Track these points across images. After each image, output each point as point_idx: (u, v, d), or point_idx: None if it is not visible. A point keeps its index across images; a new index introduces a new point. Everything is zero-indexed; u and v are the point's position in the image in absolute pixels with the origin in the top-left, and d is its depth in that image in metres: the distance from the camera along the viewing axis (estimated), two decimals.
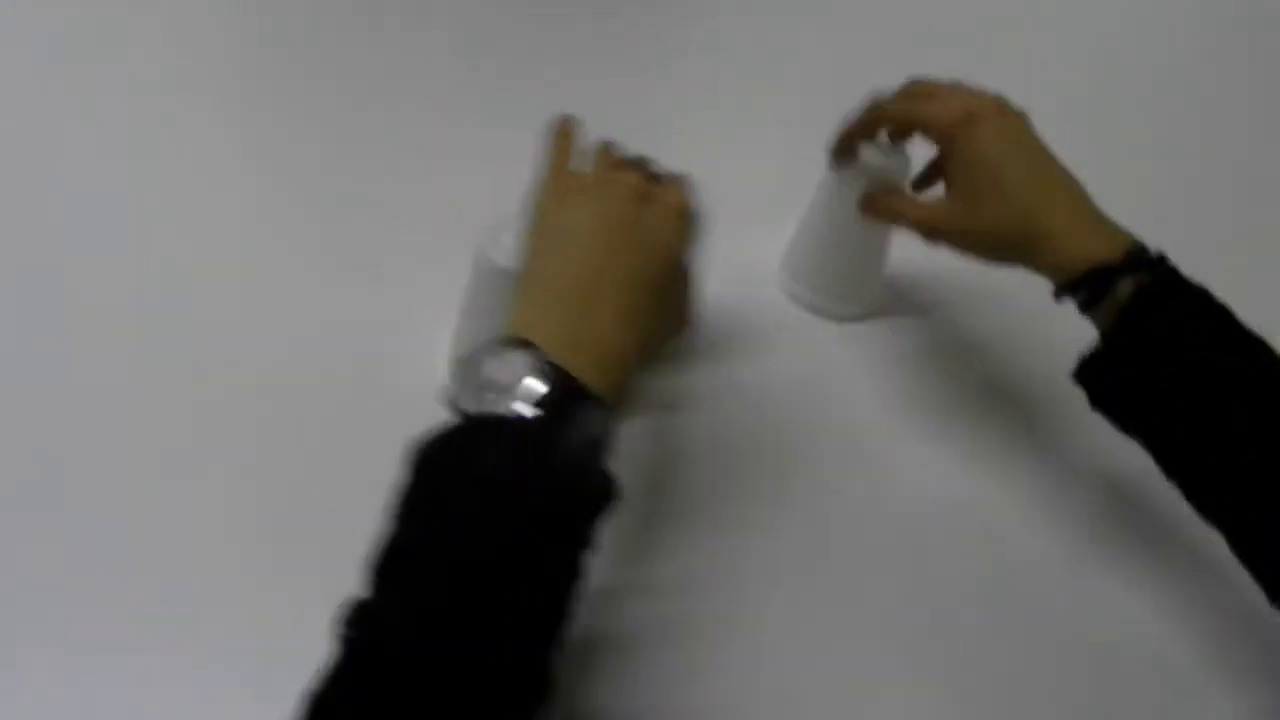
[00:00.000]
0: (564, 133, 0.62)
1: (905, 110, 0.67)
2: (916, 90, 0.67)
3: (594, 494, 0.50)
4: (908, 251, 0.73)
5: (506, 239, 0.64)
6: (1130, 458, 0.61)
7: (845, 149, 0.71)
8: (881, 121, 0.69)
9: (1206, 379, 0.57)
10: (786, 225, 0.81)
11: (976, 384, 0.78)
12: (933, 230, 0.65)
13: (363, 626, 0.45)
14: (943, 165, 0.66)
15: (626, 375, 0.54)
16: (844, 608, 0.65)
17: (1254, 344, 0.58)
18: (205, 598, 0.61)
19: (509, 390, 0.49)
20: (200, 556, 0.63)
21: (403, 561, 0.47)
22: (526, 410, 0.49)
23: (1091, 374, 0.61)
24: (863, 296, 0.79)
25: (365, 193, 0.85)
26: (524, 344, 0.51)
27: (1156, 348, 0.58)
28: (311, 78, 0.95)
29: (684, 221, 0.58)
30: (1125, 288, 0.59)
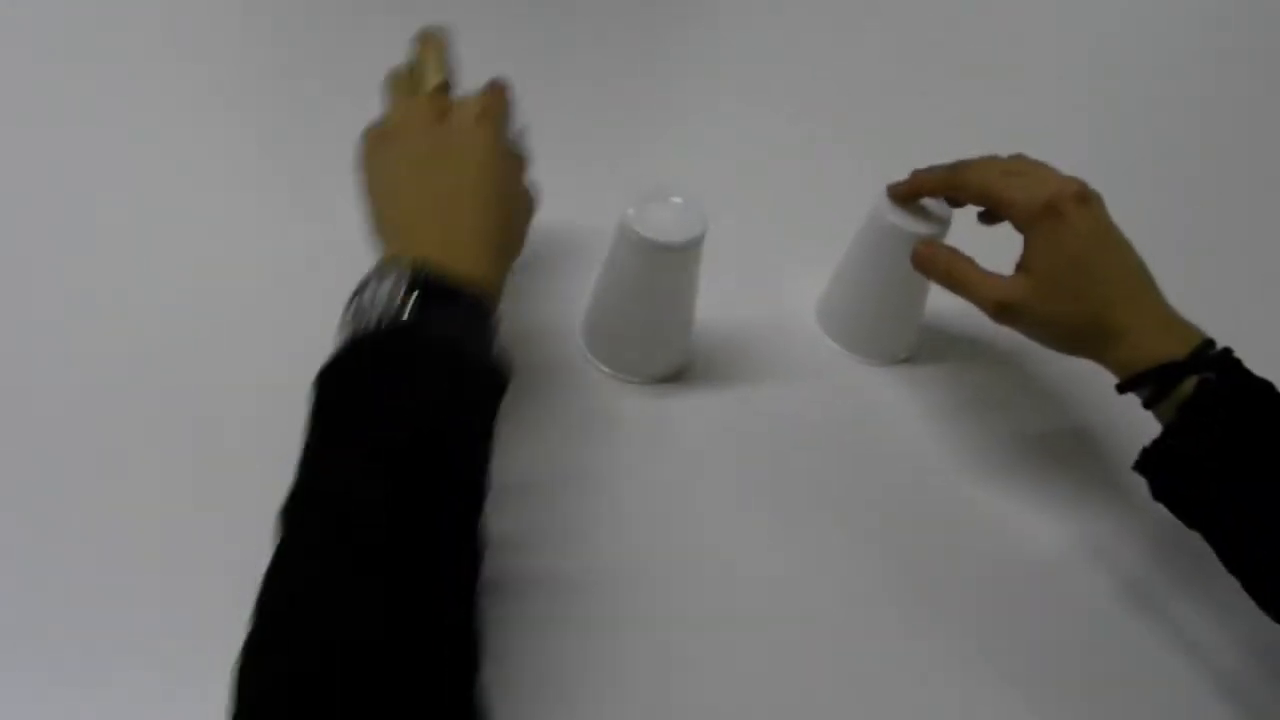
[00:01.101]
0: (392, 81, 0.66)
1: (989, 186, 0.67)
2: (1002, 167, 0.68)
3: (486, 378, 0.54)
4: (945, 299, 0.73)
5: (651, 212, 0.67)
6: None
7: (910, 195, 0.71)
8: (962, 188, 0.69)
9: (1269, 474, 0.58)
10: (822, 261, 0.80)
11: (1011, 430, 0.78)
12: (1006, 309, 0.65)
13: (294, 513, 0.48)
14: (1024, 249, 0.66)
15: (491, 261, 0.58)
16: (865, 634, 0.65)
17: None
18: (220, 598, 0.60)
19: (390, 301, 0.53)
20: (209, 555, 0.62)
21: (324, 459, 0.50)
22: (403, 315, 0.52)
23: (1152, 466, 0.62)
24: (899, 341, 0.81)
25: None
26: (390, 262, 0.55)
27: (1217, 442, 0.59)
28: (316, 75, 0.95)
29: (487, 122, 0.62)
30: (1189, 383, 0.60)
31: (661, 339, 0.74)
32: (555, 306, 0.77)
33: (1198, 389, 0.60)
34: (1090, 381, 0.76)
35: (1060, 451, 0.76)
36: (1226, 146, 1.08)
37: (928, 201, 0.73)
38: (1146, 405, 0.63)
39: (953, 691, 0.63)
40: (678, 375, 0.76)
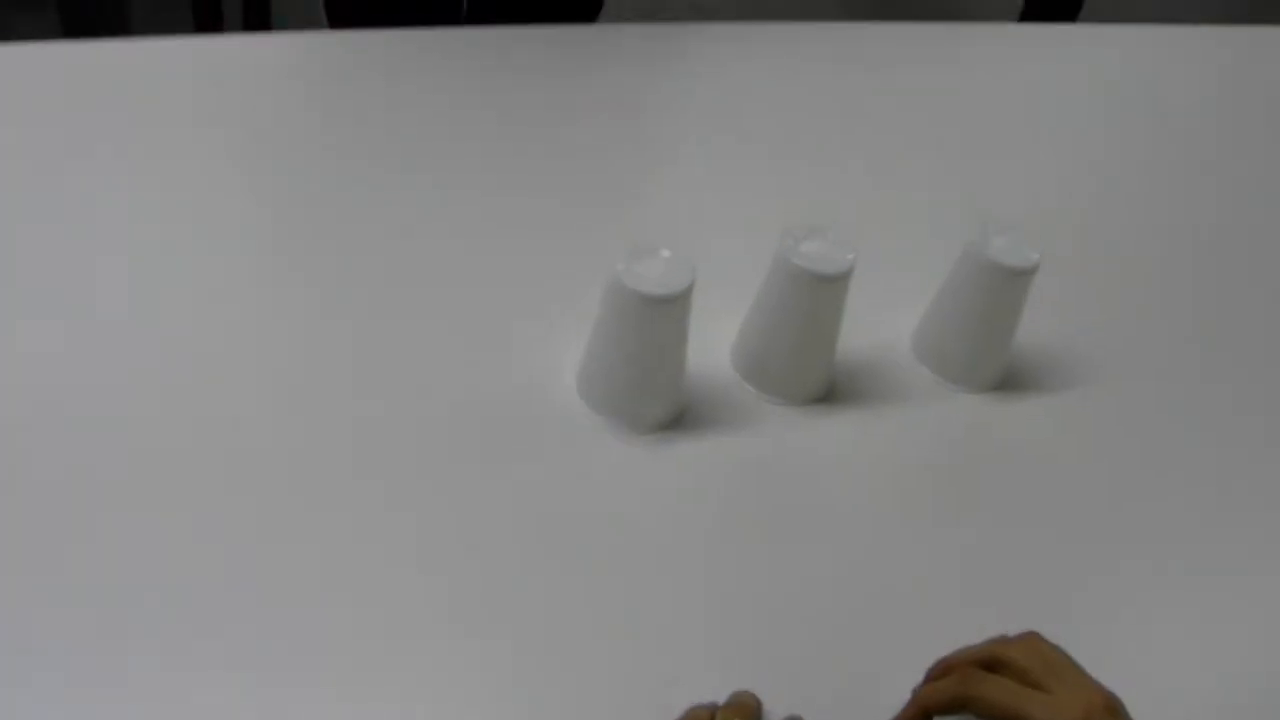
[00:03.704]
0: None
1: (1008, 702, 0.57)
2: (1019, 677, 0.58)
3: None
4: (1033, 335, 0.78)
5: (642, 268, 0.68)
6: None
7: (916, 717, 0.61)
8: (972, 704, 0.58)
9: None
10: (917, 295, 0.84)
11: (1100, 449, 0.80)
12: None
13: None
14: None
15: None
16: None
17: None
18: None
19: None
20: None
21: None
22: None
23: None
24: (993, 369, 0.84)
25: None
26: None
27: None
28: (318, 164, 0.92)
29: None
30: None
31: (651, 388, 0.75)
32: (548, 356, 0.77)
33: None
34: (1184, 404, 0.81)
35: (1151, 475, 0.78)
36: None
37: (1018, 236, 0.76)
38: None
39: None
40: (673, 425, 0.76)
